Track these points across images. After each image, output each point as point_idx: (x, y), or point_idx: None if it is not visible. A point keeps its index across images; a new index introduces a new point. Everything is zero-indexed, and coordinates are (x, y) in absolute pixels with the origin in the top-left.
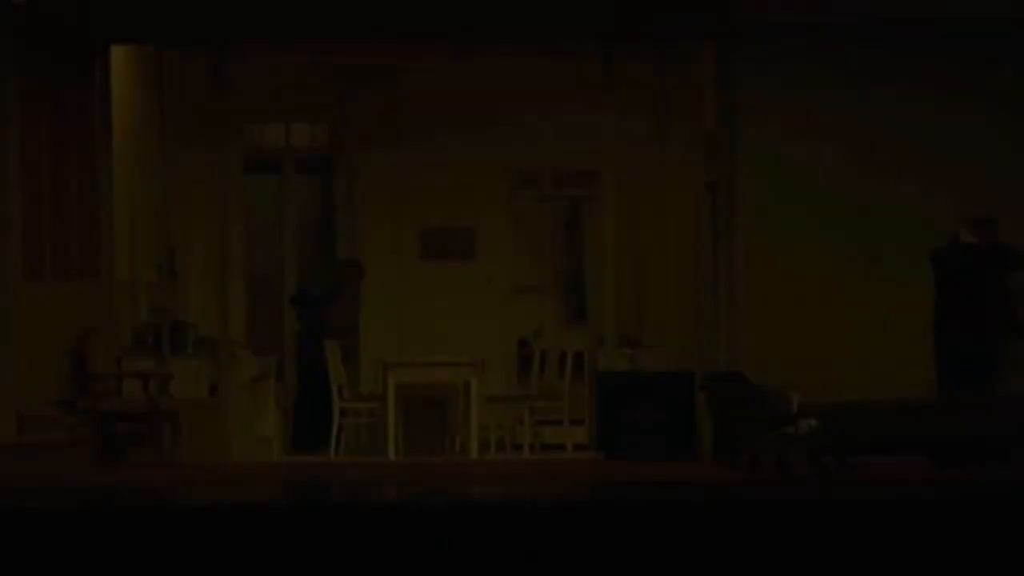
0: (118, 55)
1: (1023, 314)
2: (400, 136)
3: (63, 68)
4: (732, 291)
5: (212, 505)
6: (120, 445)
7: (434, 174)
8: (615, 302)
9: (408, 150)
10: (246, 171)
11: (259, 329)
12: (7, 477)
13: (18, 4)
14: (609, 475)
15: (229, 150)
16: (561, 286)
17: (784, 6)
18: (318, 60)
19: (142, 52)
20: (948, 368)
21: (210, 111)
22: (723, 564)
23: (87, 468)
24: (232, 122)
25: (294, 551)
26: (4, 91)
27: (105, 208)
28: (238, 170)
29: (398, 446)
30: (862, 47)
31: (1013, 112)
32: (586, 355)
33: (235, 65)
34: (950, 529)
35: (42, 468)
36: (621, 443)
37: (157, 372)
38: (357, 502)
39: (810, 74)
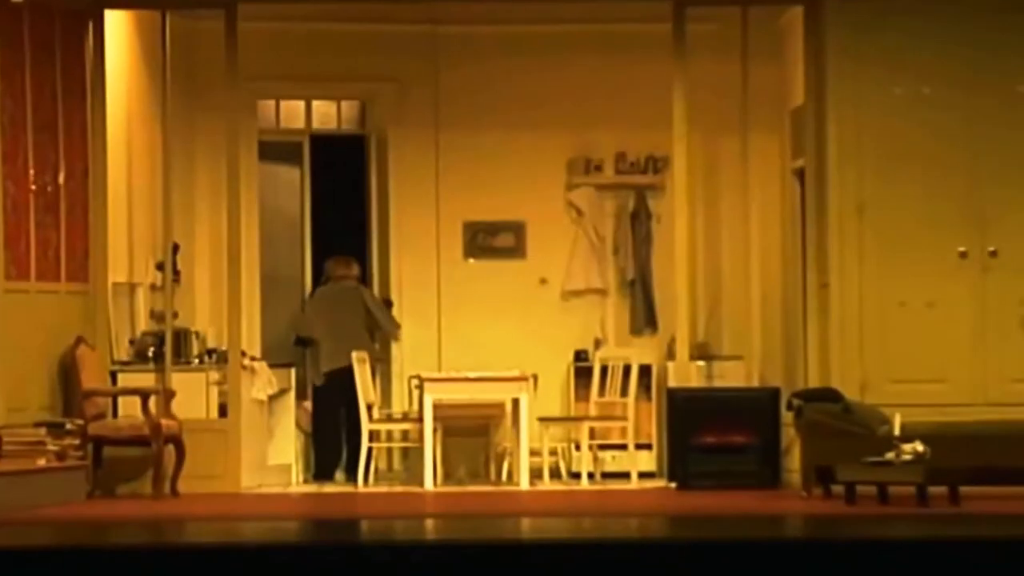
0: (113, 23)
1: None
2: (440, 114)
3: (50, 38)
4: (823, 295)
5: (222, 545)
6: (116, 473)
7: (480, 159)
8: (688, 307)
9: (450, 131)
10: (262, 157)
11: (276, 338)
12: None
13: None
14: (682, 508)
15: (242, 131)
16: (626, 289)
17: None
18: (343, 25)
19: (140, 20)
20: None
21: (220, 86)
22: None
23: (78, 500)
24: (245, 98)
25: None
26: None
27: (98, 199)
28: (252, 154)
29: (436, 475)
30: (973, 7)
31: None
32: (654, 368)
33: (247, 32)
34: None
35: (25, 499)
36: (696, 471)
37: (158, 389)
38: (390, 541)
39: (912, 40)
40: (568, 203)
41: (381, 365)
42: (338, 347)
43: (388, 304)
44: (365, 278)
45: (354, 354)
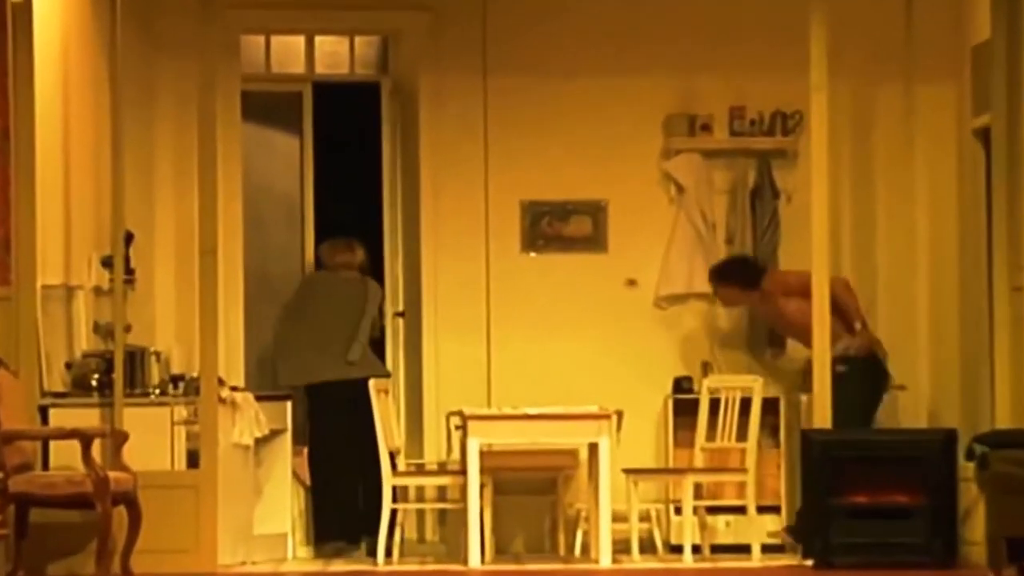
0: None
1: None
2: (489, 55)
3: None
4: (1017, 300)
5: None
6: (47, 545)
7: (543, 116)
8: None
9: (502, 77)
10: (247, 114)
11: (266, 360)
12: None
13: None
14: None
15: (220, 78)
16: None
17: None
18: None
19: None
20: None
21: (190, 16)
22: None
23: None
24: (223, 33)
25: None
26: None
27: (22, 172)
28: (234, 110)
29: (485, 548)
30: None
31: None
32: (783, 402)
33: None
34: None
35: None
36: (841, 543)
37: (105, 430)
38: None
39: None
40: (665, 176)
41: (410, 396)
42: (321, 358)
43: (400, 315)
44: (381, 276)
45: (372, 383)
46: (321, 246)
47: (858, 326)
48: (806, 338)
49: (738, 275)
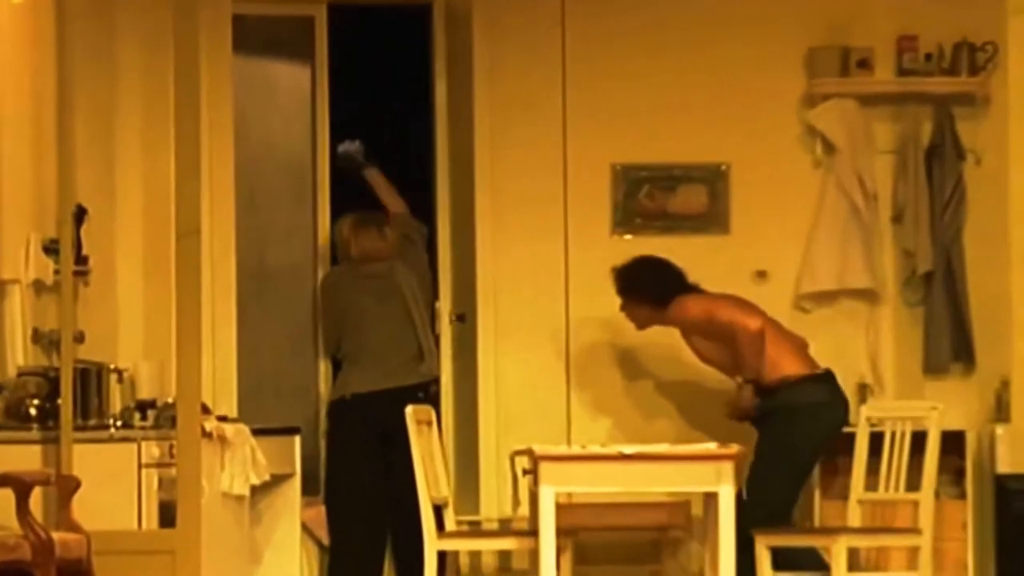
0: None
1: None
2: None
3: None
4: None
5: None
6: None
7: (642, 51)
8: None
9: (587, 2)
10: (239, 46)
11: (267, 380)
12: None
13: None
14: None
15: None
16: (916, 291)
17: None
18: None
19: None
20: None
21: None
22: None
23: None
24: None
25: None
26: None
27: None
28: (223, 40)
29: None
30: None
31: None
32: (971, 438)
33: None
34: None
35: None
36: None
37: (48, 474)
38: None
39: None
40: (808, 130)
41: (462, 428)
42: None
43: (460, 320)
44: (433, 266)
45: (411, 413)
46: (339, 225)
47: (738, 380)
48: (733, 373)
49: (649, 287)
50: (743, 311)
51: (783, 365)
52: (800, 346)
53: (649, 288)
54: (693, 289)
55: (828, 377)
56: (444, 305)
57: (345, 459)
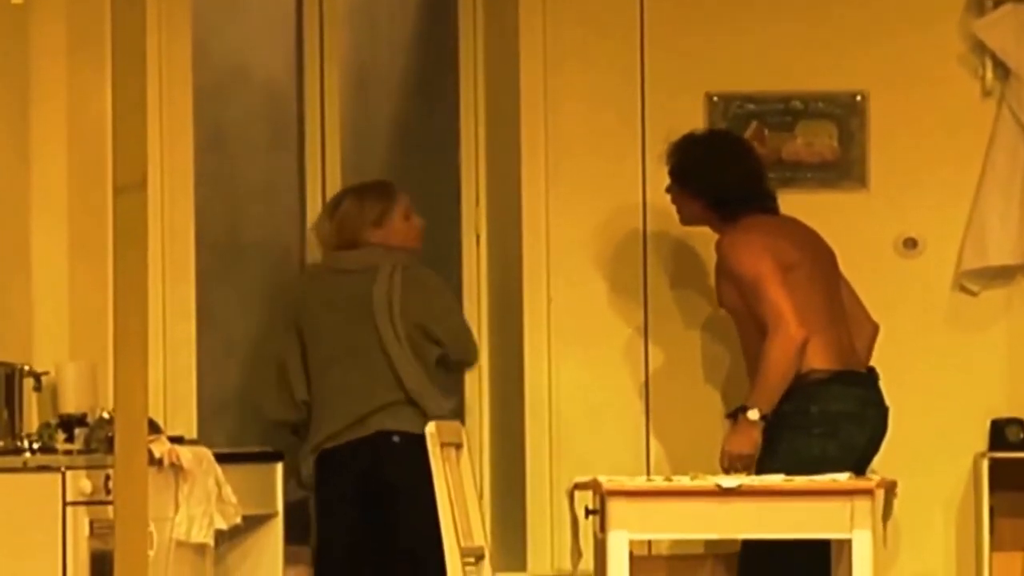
0: None
1: None
2: None
3: None
4: None
5: None
6: None
7: None
8: None
9: None
10: None
11: (235, 391)
12: None
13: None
14: None
15: None
16: None
17: None
18: None
19: None
20: None
21: None
22: None
23: None
24: None
25: None
26: None
27: None
28: None
29: None
30: None
31: None
32: None
33: None
34: None
35: None
36: None
37: None
38: None
39: None
40: (975, 47)
41: (503, 456)
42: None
43: None
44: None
45: (432, 430)
46: (337, 205)
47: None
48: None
49: (713, 187)
50: (798, 302)
51: (808, 353)
52: (857, 332)
53: (713, 189)
54: (770, 208)
55: (864, 379)
56: (477, 300)
57: (333, 519)
